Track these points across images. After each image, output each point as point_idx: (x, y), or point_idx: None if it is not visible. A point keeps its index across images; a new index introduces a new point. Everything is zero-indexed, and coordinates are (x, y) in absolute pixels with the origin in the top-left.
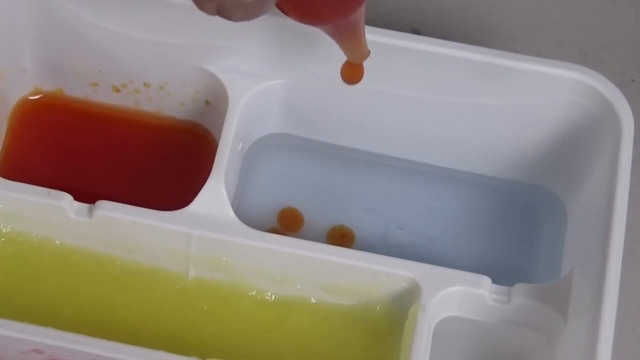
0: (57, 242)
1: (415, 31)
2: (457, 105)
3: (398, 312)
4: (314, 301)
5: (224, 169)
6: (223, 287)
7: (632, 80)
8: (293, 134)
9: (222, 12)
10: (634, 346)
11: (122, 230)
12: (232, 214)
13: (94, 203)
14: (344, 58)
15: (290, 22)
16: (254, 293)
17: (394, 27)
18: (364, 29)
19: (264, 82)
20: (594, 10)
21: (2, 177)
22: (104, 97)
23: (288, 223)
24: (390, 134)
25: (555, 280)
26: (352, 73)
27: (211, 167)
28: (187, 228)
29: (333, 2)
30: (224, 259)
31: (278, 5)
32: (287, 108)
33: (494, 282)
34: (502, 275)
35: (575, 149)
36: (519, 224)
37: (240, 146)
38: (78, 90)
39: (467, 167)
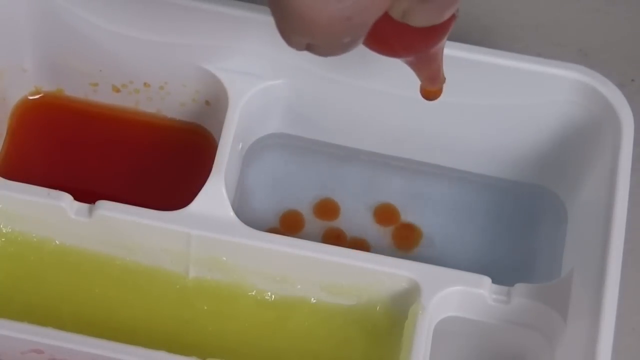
0: (57, 242)
1: None
2: (457, 105)
3: (398, 312)
4: (314, 301)
5: (224, 169)
6: (223, 287)
7: (632, 80)
8: (293, 134)
9: (313, 49)
10: (634, 346)
11: (122, 230)
12: (232, 214)
13: (94, 203)
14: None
15: None
16: (254, 293)
17: None
18: (442, 60)
19: (264, 82)
20: (594, 10)
21: (2, 177)
22: (104, 97)
23: (289, 225)
24: (390, 133)
25: (555, 280)
26: (430, 93)
27: (211, 167)
28: (187, 228)
29: (409, 40)
30: (224, 259)
31: None
32: (287, 108)
33: (494, 282)
34: (502, 275)
35: (575, 149)
36: (519, 224)
37: (240, 146)
38: (78, 90)
39: (467, 166)
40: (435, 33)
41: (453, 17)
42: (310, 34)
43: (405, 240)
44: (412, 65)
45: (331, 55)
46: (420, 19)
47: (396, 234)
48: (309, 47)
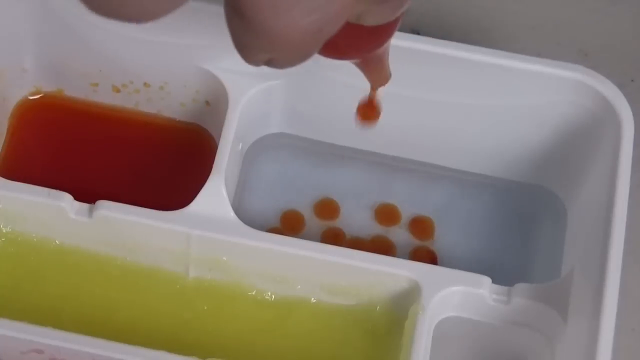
0: (57, 242)
1: (415, 31)
2: (457, 105)
3: (398, 312)
4: (314, 301)
5: (224, 169)
6: (223, 287)
7: (632, 80)
8: (293, 134)
9: (272, 63)
10: (634, 346)
11: (122, 230)
12: (232, 214)
13: (94, 203)
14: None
15: None
16: (254, 293)
17: None
18: (388, 60)
19: (264, 82)
20: (594, 11)
21: (2, 177)
22: (104, 97)
23: (290, 225)
24: (390, 133)
25: (555, 280)
26: (367, 114)
27: (211, 167)
28: (187, 228)
29: (358, 41)
30: (224, 259)
31: None
32: (287, 108)
33: (494, 282)
34: (502, 275)
35: (576, 149)
36: (519, 224)
37: (240, 146)
38: (78, 90)
39: (467, 166)
40: (383, 33)
41: (400, 15)
42: (277, 49)
43: (423, 231)
44: (359, 66)
45: (289, 67)
46: (374, 19)
47: (413, 226)
48: (269, 62)
